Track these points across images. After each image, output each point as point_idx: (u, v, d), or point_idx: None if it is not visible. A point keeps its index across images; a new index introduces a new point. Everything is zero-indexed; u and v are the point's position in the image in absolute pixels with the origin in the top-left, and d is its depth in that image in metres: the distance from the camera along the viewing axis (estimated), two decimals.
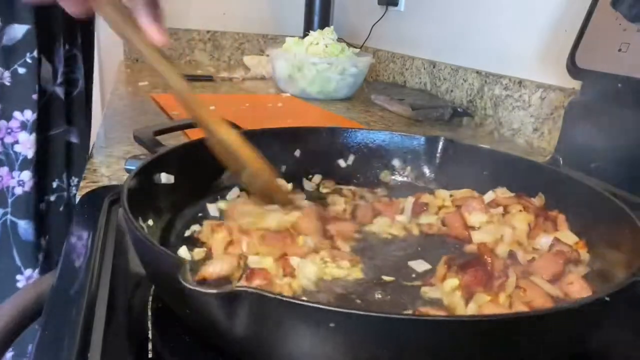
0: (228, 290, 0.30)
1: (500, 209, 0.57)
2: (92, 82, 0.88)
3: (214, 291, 0.30)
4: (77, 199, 0.59)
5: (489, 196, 0.60)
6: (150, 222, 0.49)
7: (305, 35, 1.45)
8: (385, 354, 0.31)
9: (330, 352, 0.32)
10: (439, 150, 0.67)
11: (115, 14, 0.48)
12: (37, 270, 0.75)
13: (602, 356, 0.40)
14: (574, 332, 0.35)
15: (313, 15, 1.76)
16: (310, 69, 1.33)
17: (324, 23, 1.72)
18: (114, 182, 0.68)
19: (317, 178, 0.68)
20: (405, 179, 0.69)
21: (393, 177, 0.69)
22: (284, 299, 0.30)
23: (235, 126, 0.67)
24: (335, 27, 1.47)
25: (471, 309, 0.42)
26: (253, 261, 0.46)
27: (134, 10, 0.48)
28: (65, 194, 0.79)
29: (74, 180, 0.81)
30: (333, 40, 1.40)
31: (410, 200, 0.61)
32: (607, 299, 0.33)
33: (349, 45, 1.46)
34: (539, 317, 0.32)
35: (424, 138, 0.68)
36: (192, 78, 1.52)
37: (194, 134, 0.80)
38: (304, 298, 0.33)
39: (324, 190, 0.66)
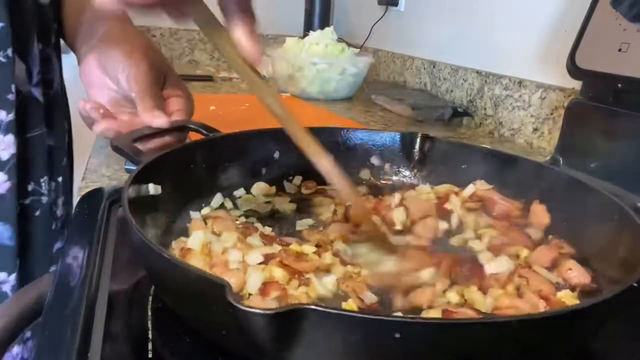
0: (289, 309, 0.29)
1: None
2: (64, 83, 0.83)
3: (272, 311, 0.29)
4: (77, 199, 0.59)
5: (470, 190, 0.61)
6: (149, 235, 0.48)
7: (305, 35, 1.45)
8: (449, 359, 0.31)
9: None
10: (416, 147, 0.67)
11: (206, 25, 0.44)
12: (13, 275, 0.71)
13: (602, 356, 0.40)
14: (578, 333, 0.35)
15: (313, 15, 1.76)
16: (310, 69, 1.33)
17: (324, 23, 1.72)
18: (114, 182, 0.68)
19: (297, 179, 0.67)
20: (384, 176, 0.69)
21: (373, 175, 0.69)
22: (349, 313, 0.30)
23: (212, 129, 0.65)
24: (335, 27, 1.47)
25: (489, 303, 0.42)
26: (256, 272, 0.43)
27: (228, 21, 0.44)
28: (43, 198, 0.74)
29: (52, 185, 0.76)
30: (333, 40, 1.40)
31: (397, 197, 0.61)
32: (636, 284, 0.33)
33: (349, 45, 1.46)
34: (544, 319, 0.32)
35: (400, 135, 0.68)
36: (192, 78, 1.52)
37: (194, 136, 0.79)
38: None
39: (305, 192, 0.65)
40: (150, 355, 0.37)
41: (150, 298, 0.43)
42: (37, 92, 0.71)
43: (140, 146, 0.58)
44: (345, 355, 0.31)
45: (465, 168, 0.63)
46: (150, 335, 0.39)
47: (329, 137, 0.68)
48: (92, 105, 0.63)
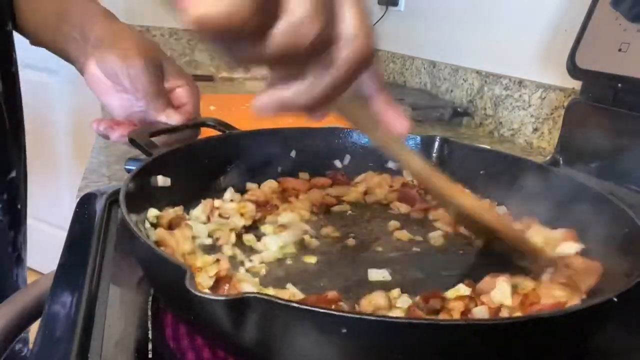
0: (238, 296, 0.29)
1: None
2: (17, 98, 0.75)
3: (223, 297, 0.29)
4: (77, 199, 0.59)
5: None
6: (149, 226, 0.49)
7: None
8: (398, 358, 0.31)
9: (342, 357, 0.32)
10: (435, 150, 0.66)
11: (353, 110, 0.44)
12: None
13: (604, 356, 0.40)
14: (581, 333, 0.35)
15: None
16: None
17: None
18: (114, 182, 0.68)
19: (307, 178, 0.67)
20: (402, 178, 0.68)
21: (390, 177, 0.68)
22: (294, 304, 0.30)
23: (230, 127, 0.67)
24: None
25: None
26: None
27: (369, 97, 0.43)
28: None
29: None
30: None
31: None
32: (615, 299, 0.33)
33: None
34: (548, 319, 0.32)
35: (420, 137, 0.68)
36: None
37: (206, 132, 0.79)
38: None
39: None
40: (150, 356, 0.37)
41: (150, 298, 0.43)
42: None
43: (157, 141, 0.60)
44: (297, 344, 0.31)
45: (484, 174, 0.62)
46: (150, 336, 0.39)
47: (346, 138, 0.68)
48: (105, 125, 0.64)
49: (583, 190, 0.53)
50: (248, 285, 0.42)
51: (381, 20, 1.64)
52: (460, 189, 0.49)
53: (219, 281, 0.42)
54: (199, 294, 0.30)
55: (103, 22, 0.66)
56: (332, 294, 0.40)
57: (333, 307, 0.38)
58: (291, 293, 0.42)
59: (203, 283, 0.41)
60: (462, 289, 0.43)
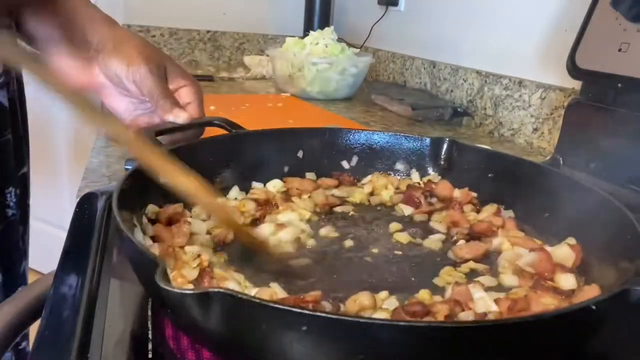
0: (200, 291, 0.30)
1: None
2: (23, 86, 0.77)
3: (187, 292, 0.30)
4: (77, 199, 0.59)
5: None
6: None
7: (305, 35, 1.45)
8: (359, 357, 0.31)
9: (305, 354, 0.32)
10: (443, 152, 0.66)
11: (24, 60, 0.43)
12: None
13: (602, 357, 0.40)
14: (563, 338, 0.35)
15: (313, 15, 1.76)
16: (310, 69, 1.33)
17: (324, 23, 1.72)
18: (114, 182, 0.68)
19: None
20: (409, 180, 0.68)
21: (396, 179, 0.68)
22: (255, 300, 0.30)
23: (236, 126, 0.68)
24: (335, 27, 1.47)
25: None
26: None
27: (50, 55, 0.43)
28: (9, 211, 0.70)
29: (12, 191, 0.73)
30: (333, 40, 1.40)
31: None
32: (594, 307, 0.32)
33: (349, 45, 1.46)
34: (527, 323, 0.32)
35: (429, 139, 0.67)
36: None
37: (211, 132, 0.79)
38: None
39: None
40: (150, 356, 0.37)
41: (150, 298, 0.43)
42: (1, 95, 0.69)
43: (162, 140, 0.60)
44: (261, 339, 0.32)
45: (492, 177, 0.62)
46: (150, 335, 0.39)
47: (354, 139, 0.68)
48: None
49: (591, 195, 0.52)
50: (232, 282, 0.42)
51: (381, 20, 1.64)
52: (173, 165, 0.46)
53: (202, 274, 0.43)
54: (166, 288, 0.30)
55: (105, 28, 0.67)
56: (313, 294, 0.39)
57: (310, 306, 0.38)
58: (273, 291, 0.42)
59: (188, 275, 0.42)
60: (427, 292, 0.44)
